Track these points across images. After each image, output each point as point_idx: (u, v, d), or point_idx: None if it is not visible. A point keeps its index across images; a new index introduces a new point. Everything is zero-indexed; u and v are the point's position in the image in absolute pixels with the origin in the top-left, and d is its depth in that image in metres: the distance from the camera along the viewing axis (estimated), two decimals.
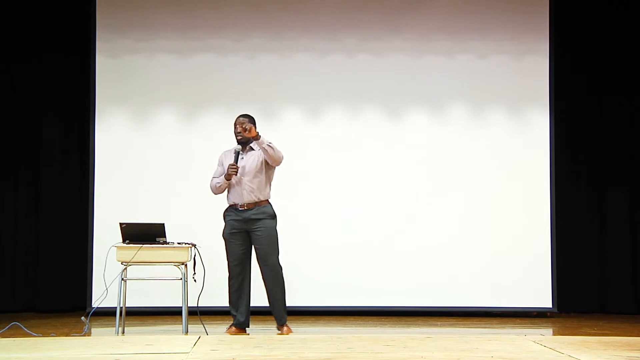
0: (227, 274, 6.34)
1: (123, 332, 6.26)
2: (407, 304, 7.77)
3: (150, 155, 7.90)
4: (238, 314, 6.33)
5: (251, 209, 6.25)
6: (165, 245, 6.17)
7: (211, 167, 7.87)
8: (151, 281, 6.63)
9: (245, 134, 6.19)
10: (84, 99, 8.00)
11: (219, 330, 6.58)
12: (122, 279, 6.20)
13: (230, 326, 6.38)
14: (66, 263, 8.01)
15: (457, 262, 7.84)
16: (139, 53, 7.98)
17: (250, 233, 6.28)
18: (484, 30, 8.04)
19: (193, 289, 6.25)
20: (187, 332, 6.16)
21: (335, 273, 7.83)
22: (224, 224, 6.38)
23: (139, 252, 6.08)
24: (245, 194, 6.26)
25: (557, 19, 8.08)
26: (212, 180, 6.46)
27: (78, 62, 8.11)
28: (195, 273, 6.28)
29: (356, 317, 7.67)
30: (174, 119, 7.97)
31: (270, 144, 6.18)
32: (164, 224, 6.20)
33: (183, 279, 6.21)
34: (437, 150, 7.96)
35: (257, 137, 6.16)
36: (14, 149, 8.05)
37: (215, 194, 6.47)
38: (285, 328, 6.36)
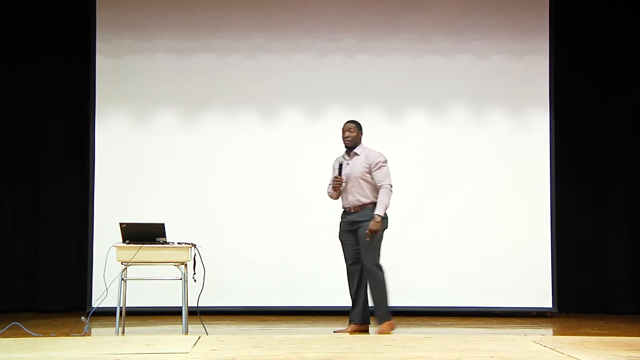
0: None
1: (123, 332, 6.26)
2: (407, 304, 7.77)
3: (150, 155, 7.90)
4: (353, 312, 6.42)
5: (356, 212, 6.38)
6: (165, 245, 6.17)
7: (211, 166, 7.94)
8: (151, 281, 6.63)
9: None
10: (84, 99, 8.01)
11: (219, 330, 6.59)
12: (122, 279, 6.20)
13: (349, 324, 6.45)
14: (66, 263, 8.02)
15: (457, 262, 7.85)
16: (139, 53, 7.99)
17: (356, 233, 6.39)
18: (484, 30, 8.05)
19: (193, 289, 6.25)
20: (187, 332, 6.16)
21: (336, 273, 7.82)
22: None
23: (139, 252, 6.08)
24: (351, 198, 6.40)
25: (557, 19, 8.08)
26: (327, 187, 6.59)
27: (78, 62, 8.11)
28: (195, 273, 6.28)
29: None
30: (174, 119, 7.97)
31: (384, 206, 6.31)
32: (164, 224, 6.20)
33: (183, 279, 6.21)
34: (437, 150, 7.96)
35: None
36: (14, 149, 8.05)
37: (331, 199, 6.59)
38: (383, 327, 6.34)
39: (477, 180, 7.94)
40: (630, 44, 8.24)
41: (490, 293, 7.83)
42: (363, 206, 6.36)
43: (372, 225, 6.22)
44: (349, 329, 6.40)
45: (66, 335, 6.19)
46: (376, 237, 6.28)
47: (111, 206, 7.73)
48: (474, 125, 8.02)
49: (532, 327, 7.21)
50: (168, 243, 6.18)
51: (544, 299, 7.84)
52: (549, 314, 7.88)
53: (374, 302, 6.35)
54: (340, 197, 6.50)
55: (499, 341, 5.47)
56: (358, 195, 6.37)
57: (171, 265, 6.23)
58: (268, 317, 7.62)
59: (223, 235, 7.79)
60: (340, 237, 6.50)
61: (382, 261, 7.83)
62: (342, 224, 6.49)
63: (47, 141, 8.06)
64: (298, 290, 7.83)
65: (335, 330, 6.52)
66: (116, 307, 6.17)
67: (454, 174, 7.93)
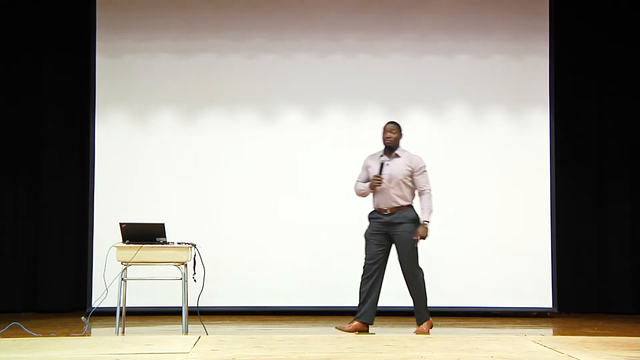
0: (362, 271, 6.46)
1: (123, 332, 6.26)
2: (408, 304, 7.75)
3: (150, 154, 7.91)
4: (362, 310, 6.42)
5: (394, 214, 6.38)
6: (165, 245, 6.17)
7: (211, 166, 7.93)
8: (151, 281, 6.63)
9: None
10: (84, 99, 8.01)
11: (219, 330, 6.59)
12: (122, 279, 6.20)
13: (353, 320, 6.45)
14: (66, 263, 8.01)
15: (457, 262, 7.85)
16: (139, 53, 7.98)
17: (391, 235, 6.40)
18: (484, 30, 8.05)
19: (193, 289, 6.25)
20: (187, 332, 6.16)
21: (336, 273, 7.83)
22: (368, 224, 6.50)
23: (139, 252, 6.08)
24: (389, 200, 6.39)
25: (557, 19, 8.08)
26: (356, 184, 6.57)
27: (78, 62, 8.11)
28: (195, 273, 6.28)
29: None
30: (174, 119, 7.97)
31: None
32: (164, 224, 6.20)
33: (183, 279, 6.21)
34: (437, 150, 7.94)
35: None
36: (14, 149, 8.05)
37: (357, 196, 6.59)
38: (423, 327, 6.41)
39: (477, 180, 7.94)
40: (631, 44, 8.24)
41: (490, 293, 7.83)
42: (399, 208, 6.39)
43: (422, 232, 6.29)
44: (351, 327, 6.39)
45: (66, 335, 6.19)
46: (412, 243, 6.35)
47: (111, 206, 7.74)
48: (474, 125, 8.03)
49: (532, 327, 7.21)
50: (168, 243, 6.19)
51: (544, 299, 7.84)
52: (549, 314, 7.88)
53: (417, 303, 6.42)
54: (372, 196, 6.48)
55: (499, 341, 5.48)
56: (396, 197, 6.39)
57: (171, 265, 6.23)
58: (268, 317, 7.62)
59: (223, 235, 7.79)
60: (368, 235, 6.48)
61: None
62: (373, 223, 6.46)
63: (47, 141, 8.06)
64: (298, 290, 7.82)
65: (336, 326, 6.50)
66: (116, 307, 6.18)
67: (454, 174, 7.92)
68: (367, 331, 6.44)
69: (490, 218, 7.91)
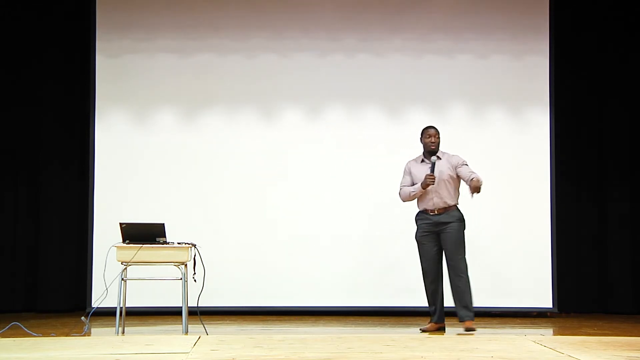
0: (422, 274, 6.66)
1: (123, 332, 6.26)
2: (407, 304, 7.77)
3: (150, 154, 7.90)
4: (438, 313, 6.64)
5: (441, 214, 6.59)
6: (165, 245, 6.17)
7: (211, 166, 7.92)
8: (151, 281, 6.63)
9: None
10: (84, 98, 8.01)
11: (219, 330, 6.59)
12: (122, 279, 6.20)
13: (430, 322, 6.66)
14: (66, 263, 8.01)
15: None
16: (139, 53, 7.98)
17: (439, 235, 6.56)
18: (484, 30, 8.04)
19: (193, 289, 6.25)
20: (187, 332, 6.16)
21: (335, 273, 7.84)
22: (416, 227, 6.70)
23: (139, 252, 6.08)
24: (436, 200, 6.60)
25: (557, 19, 8.08)
26: (402, 189, 6.78)
27: (78, 62, 8.11)
28: (195, 273, 6.28)
29: (356, 317, 7.67)
30: (174, 119, 7.97)
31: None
32: (164, 224, 6.20)
33: (183, 279, 6.21)
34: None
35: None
36: (14, 149, 8.05)
37: (405, 201, 6.82)
38: (471, 322, 6.50)
39: None
40: (631, 44, 8.24)
41: (490, 293, 7.81)
42: (447, 208, 6.60)
43: (477, 182, 6.35)
44: (433, 327, 6.61)
45: (66, 335, 6.19)
46: (462, 239, 6.55)
47: (111, 206, 7.73)
48: (474, 125, 8.02)
49: (532, 327, 7.21)
50: (168, 243, 6.19)
51: (544, 299, 7.84)
52: (549, 314, 7.88)
53: (468, 300, 6.53)
54: (419, 200, 6.65)
55: (499, 341, 5.48)
56: (444, 197, 6.59)
57: (171, 265, 6.23)
58: (268, 317, 7.61)
59: (223, 235, 7.79)
60: (419, 238, 6.66)
61: (383, 261, 7.89)
62: (423, 225, 6.65)
63: (47, 141, 8.06)
64: (298, 290, 7.82)
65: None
66: (116, 307, 6.18)
67: None
68: (443, 329, 6.65)
69: (490, 218, 7.90)
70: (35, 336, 5.90)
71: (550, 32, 8.01)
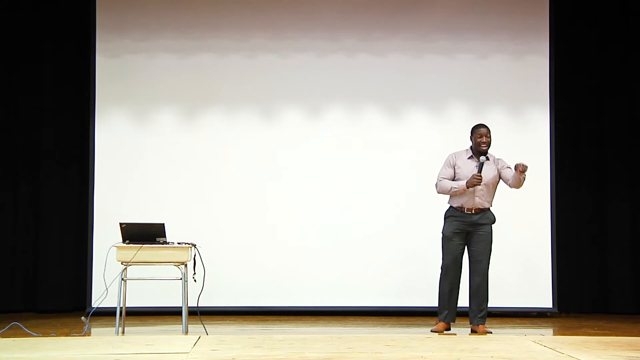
0: (440, 270, 6.59)
1: (123, 332, 6.26)
2: (407, 304, 7.76)
3: (150, 154, 7.90)
4: (450, 313, 6.56)
5: (477, 214, 6.51)
6: (165, 245, 6.17)
7: (211, 166, 7.92)
8: (151, 281, 6.63)
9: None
10: (84, 99, 8.00)
11: (219, 330, 6.59)
12: (122, 279, 6.19)
13: (439, 322, 6.58)
14: (66, 263, 8.01)
15: None
16: (139, 53, 7.98)
17: (470, 235, 6.51)
18: (484, 30, 8.05)
19: (193, 289, 6.25)
20: (187, 332, 6.16)
21: (335, 273, 7.83)
22: (444, 222, 6.59)
23: (139, 252, 6.08)
24: (477, 200, 6.51)
25: (557, 19, 8.08)
26: (442, 181, 6.58)
27: (78, 62, 8.10)
28: (195, 273, 6.28)
29: (356, 317, 7.67)
30: (174, 119, 7.97)
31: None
32: (164, 224, 6.20)
33: (183, 279, 6.21)
34: (437, 150, 7.92)
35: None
36: (13, 148, 8.05)
37: (441, 193, 6.63)
38: (479, 327, 6.50)
39: None
40: (631, 44, 8.24)
41: (490, 293, 7.80)
42: (484, 210, 6.53)
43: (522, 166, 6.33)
44: (443, 327, 6.55)
45: (66, 335, 6.19)
46: (492, 240, 6.52)
47: (111, 206, 7.73)
48: (474, 124, 8.00)
49: (532, 327, 7.21)
50: (168, 243, 6.18)
51: (544, 299, 7.83)
52: (549, 314, 7.88)
53: (486, 303, 6.52)
54: (452, 196, 6.55)
55: (498, 341, 5.48)
56: (485, 198, 6.53)
57: (171, 265, 6.23)
58: (268, 317, 7.61)
59: (223, 235, 7.79)
60: (449, 234, 6.53)
61: (382, 261, 7.89)
62: (455, 222, 6.52)
63: (47, 141, 8.05)
64: (298, 290, 7.82)
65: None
66: (116, 307, 6.17)
67: None
68: (449, 329, 6.61)
69: None
70: (35, 336, 5.90)
71: (550, 32, 8.01)
